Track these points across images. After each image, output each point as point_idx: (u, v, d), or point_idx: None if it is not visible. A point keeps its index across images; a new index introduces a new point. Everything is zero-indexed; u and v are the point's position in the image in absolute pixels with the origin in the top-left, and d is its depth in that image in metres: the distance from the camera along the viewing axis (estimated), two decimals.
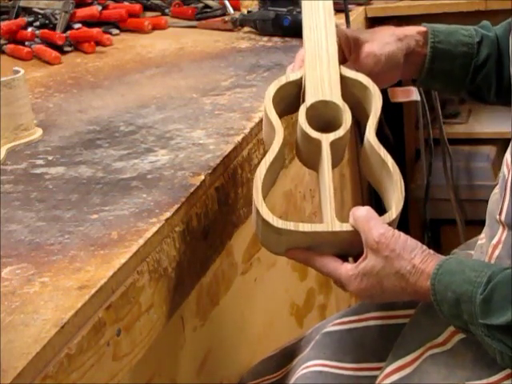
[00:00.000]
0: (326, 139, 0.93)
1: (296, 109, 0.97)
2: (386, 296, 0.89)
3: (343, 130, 0.93)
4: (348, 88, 0.97)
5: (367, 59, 1.01)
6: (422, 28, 1.04)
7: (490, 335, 0.80)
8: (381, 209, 0.93)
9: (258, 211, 0.88)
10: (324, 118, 0.95)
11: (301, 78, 0.97)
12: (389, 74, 1.03)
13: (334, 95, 0.95)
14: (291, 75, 0.98)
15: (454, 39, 1.04)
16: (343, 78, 0.97)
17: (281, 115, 0.95)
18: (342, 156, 0.99)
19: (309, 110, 0.94)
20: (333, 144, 0.93)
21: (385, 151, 0.92)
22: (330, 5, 1.04)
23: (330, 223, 0.88)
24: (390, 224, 0.88)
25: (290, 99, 0.97)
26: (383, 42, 1.02)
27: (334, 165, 0.94)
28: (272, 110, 0.94)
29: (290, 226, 0.87)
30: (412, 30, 1.04)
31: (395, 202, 0.90)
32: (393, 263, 0.86)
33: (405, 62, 1.03)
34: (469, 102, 1.10)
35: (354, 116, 0.95)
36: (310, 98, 0.95)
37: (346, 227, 0.88)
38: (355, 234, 0.88)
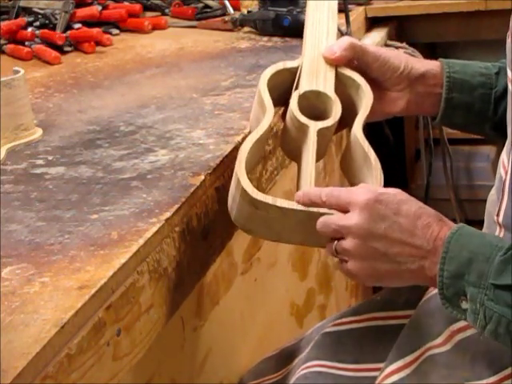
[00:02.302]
0: (315, 126, 0.95)
1: (285, 102, 0.99)
2: (390, 234, 0.83)
3: (332, 121, 0.96)
4: (342, 84, 0.99)
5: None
6: (435, 61, 1.03)
7: (494, 298, 0.78)
8: None
9: (238, 181, 0.88)
10: (314, 111, 0.97)
11: (297, 68, 0.99)
12: (391, 87, 1.02)
13: (328, 88, 0.97)
14: (288, 62, 1.00)
15: (470, 70, 1.03)
16: (338, 74, 0.99)
17: None
18: (325, 150, 1.01)
19: (301, 99, 0.96)
20: (319, 133, 0.94)
21: (369, 146, 0.93)
22: (335, 5, 1.05)
23: None
24: None
25: (281, 90, 0.99)
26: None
27: (318, 157, 0.95)
28: (266, 90, 0.96)
29: (268, 199, 0.88)
30: (423, 60, 1.04)
31: None
32: (418, 204, 0.84)
33: (418, 91, 1.02)
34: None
35: (343, 111, 0.96)
36: (304, 86, 0.98)
37: (323, 210, 0.88)
38: None
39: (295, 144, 0.98)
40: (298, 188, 0.95)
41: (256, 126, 0.97)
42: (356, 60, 1.00)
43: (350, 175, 1.00)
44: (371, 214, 0.83)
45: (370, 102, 0.96)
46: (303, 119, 0.95)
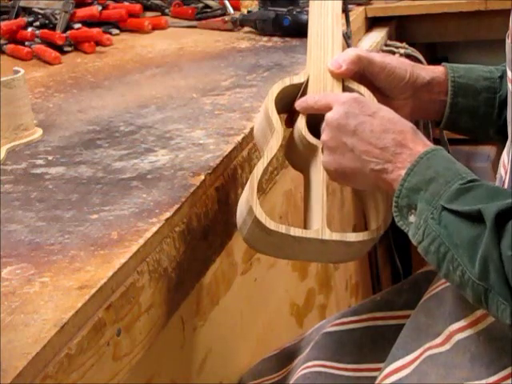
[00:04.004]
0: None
1: (290, 110, 0.98)
2: (360, 133, 0.87)
3: None
4: None
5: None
6: (439, 67, 1.03)
7: (437, 218, 0.79)
8: None
9: (251, 209, 0.88)
10: (321, 124, 0.95)
11: (303, 83, 0.98)
12: (396, 93, 1.01)
13: None
14: (295, 78, 0.99)
15: (474, 74, 1.02)
16: (345, 87, 0.98)
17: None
18: None
19: (308, 115, 0.95)
20: None
21: None
22: (339, 9, 1.04)
23: (321, 231, 0.89)
24: (376, 230, 0.91)
25: (287, 100, 0.98)
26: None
27: None
28: (274, 111, 0.95)
29: (282, 229, 0.88)
30: (428, 68, 1.04)
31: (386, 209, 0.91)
32: (400, 117, 0.88)
33: (423, 98, 1.02)
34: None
35: None
36: None
37: (336, 236, 0.89)
38: (344, 245, 0.89)
39: (302, 158, 0.97)
40: (305, 205, 0.95)
41: (262, 142, 0.96)
42: (361, 71, 0.99)
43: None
44: (346, 110, 0.88)
45: None
46: (312, 140, 0.94)
